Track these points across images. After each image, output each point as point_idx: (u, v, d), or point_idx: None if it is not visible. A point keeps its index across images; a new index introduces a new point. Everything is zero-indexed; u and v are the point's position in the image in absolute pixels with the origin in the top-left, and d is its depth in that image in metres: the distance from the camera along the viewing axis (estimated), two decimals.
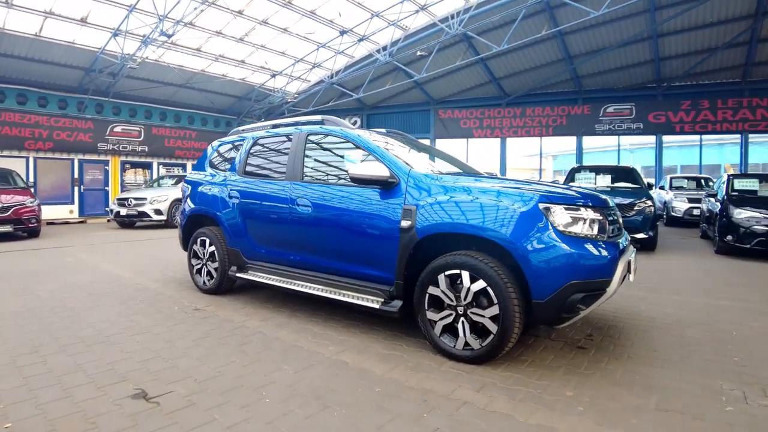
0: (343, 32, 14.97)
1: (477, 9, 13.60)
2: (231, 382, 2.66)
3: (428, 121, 21.35)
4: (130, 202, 12.00)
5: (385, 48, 15.35)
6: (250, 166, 4.55)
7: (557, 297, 2.75)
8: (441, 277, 3.04)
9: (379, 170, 3.31)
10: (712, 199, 9.33)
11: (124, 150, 17.86)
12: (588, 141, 20.42)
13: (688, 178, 15.02)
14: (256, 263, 4.30)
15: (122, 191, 16.60)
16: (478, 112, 20.66)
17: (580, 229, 2.88)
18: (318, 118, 4.23)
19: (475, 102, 20.66)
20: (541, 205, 2.87)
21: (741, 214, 7.78)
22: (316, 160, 4.08)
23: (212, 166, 5.03)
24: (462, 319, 2.97)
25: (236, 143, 4.87)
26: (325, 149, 4.09)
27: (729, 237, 7.90)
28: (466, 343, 2.97)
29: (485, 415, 2.32)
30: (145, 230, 12.04)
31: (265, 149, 4.55)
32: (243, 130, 4.97)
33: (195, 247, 4.83)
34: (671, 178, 14.83)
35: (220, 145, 5.12)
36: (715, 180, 14.63)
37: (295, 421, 2.22)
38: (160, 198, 11.98)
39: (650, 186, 9.71)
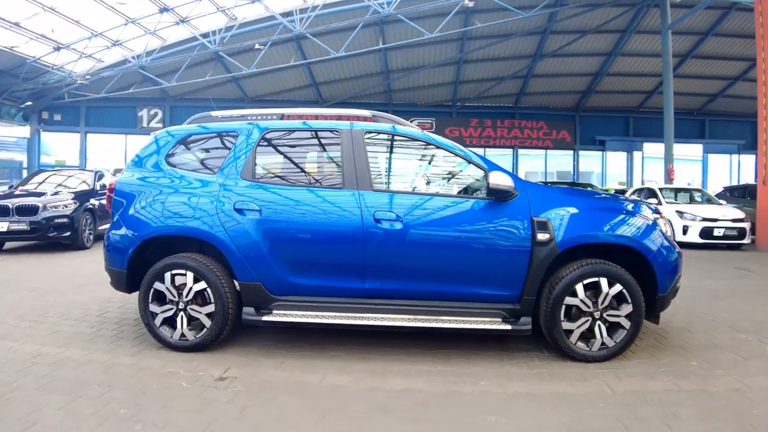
0: (164, 9, 12.80)
1: (323, 10, 13.55)
2: None
3: None
4: None
5: (214, 33, 13.78)
6: (264, 169, 3.49)
7: (672, 289, 3.34)
8: (579, 287, 3.13)
9: (507, 181, 3.11)
10: None
11: None
12: None
13: None
14: (290, 299, 3.29)
15: None
16: None
17: (667, 232, 3.45)
18: (366, 113, 3.60)
19: (291, 104, 20.39)
20: (654, 215, 3.39)
21: None
22: (388, 165, 3.50)
23: (173, 165, 3.59)
24: (598, 322, 3.17)
25: (218, 135, 3.62)
26: (391, 151, 3.55)
27: None
28: (603, 344, 3.19)
29: (692, 396, 2.72)
30: None
31: (287, 147, 3.59)
32: (219, 118, 3.73)
33: (160, 286, 3.33)
34: None
35: (183, 137, 3.67)
36: None
37: None
38: None
39: None
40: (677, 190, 12.01)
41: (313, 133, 3.56)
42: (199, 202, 3.34)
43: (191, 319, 3.33)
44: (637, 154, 22.35)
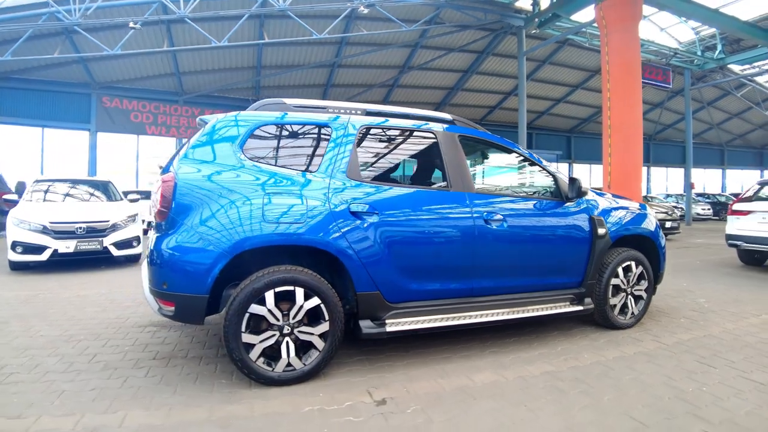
0: None
1: None
2: None
3: (88, 108, 17.18)
4: None
5: (74, 2, 11.65)
6: (368, 168, 3.35)
7: (664, 269, 4.40)
8: (620, 270, 3.94)
9: (585, 185, 3.71)
10: None
11: None
12: None
13: None
14: (405, 306, 3.16)
15: None
16: (152, 106, 18.42)
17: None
18: (447, 116, 3.73)
19: (149, 94, 18.29)
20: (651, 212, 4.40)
21: None
22: (479, 168, 3.72)
23: (252, 159, 3.04)
24: (629, 297, 4.06)
25: (305, 128, 3.26)
26: (476, 155, 3.79)
27: None
28: (632, 313, 4.07)
29: (709, 339, 3.78)
30: None
31: (383, 145, 3.49)
32: (293, 107, 3.33)
33: (258, 309, 2.79)
34: None
35: (259, 125, 3.14)
36: None
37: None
38: None
39: None
40: None
41: (408, 132, 3.54)
42: (309, 205, 2.94)
43: (301, 346, 2.91)
44: None
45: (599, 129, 26.41)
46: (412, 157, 3.62)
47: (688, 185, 19.90)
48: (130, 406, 2.61)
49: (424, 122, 3.58)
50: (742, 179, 34.36)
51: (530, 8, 15.79)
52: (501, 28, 17.25)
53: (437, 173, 3.51)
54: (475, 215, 3.35)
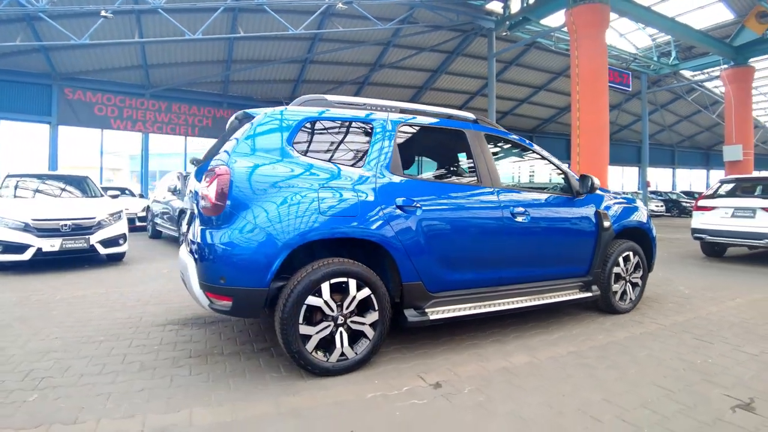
0: None
1: None
2: None
3: (49, 100, 16.38)
4: None
5: None
6: (407, 163, 3.54)
7: (655, 258, 4.77)
8: (620, 259, 4.32)
9: (599, 182, 4.04)
10: None
11: None
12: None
13: None
14: (443, 295, 3.33)
15: None
16: (117, 100, 17.77)
17: None
18: (470, 115, 3.93)
19: (114, 86, 17.61)
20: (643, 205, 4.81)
21: None
22: (501, 164, 3.97)
23: (302, 153, 3.10)
24: (627, 284, 4.43)
25: (350, 124, 3.33)
26: (498, 152, 4.03)
27: None
28: (631, 299, 4.45)
29: (700, 319, 4.26)
30: None
31: (416, 142, 3.66)
32: (335, 103, 3.42)
33: (315, 301, 2.86)
34: None
35: (306, 121, 3.19)
36: None
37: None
38: None
39: None
40: None
41: (440, 130, 3.73)
42: (360, 199, 3.05)
43: (353, 336, 3.01)
44: None
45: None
46: (443, 153, 3.84)
47: (644, 183, 21.13)
48: (189, 404, 2.56)
49: (453, 120, 3.80)
50: (690, 178, 36.77)
51: (501, 11, 16.35)
52: (472, 29, 17.75)
53: (466, 168, 3.76)
54: (504, 209, 3.62)
